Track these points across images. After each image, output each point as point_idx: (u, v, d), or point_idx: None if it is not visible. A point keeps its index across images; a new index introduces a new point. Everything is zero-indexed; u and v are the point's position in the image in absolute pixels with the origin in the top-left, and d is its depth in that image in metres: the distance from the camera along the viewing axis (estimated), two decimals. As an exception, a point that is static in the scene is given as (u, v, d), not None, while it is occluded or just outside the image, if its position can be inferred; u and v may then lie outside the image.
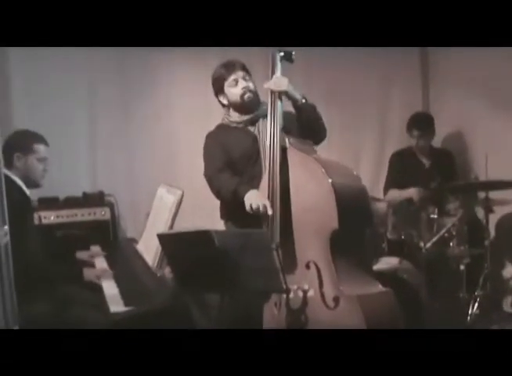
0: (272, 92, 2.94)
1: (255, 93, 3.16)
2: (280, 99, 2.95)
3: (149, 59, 4.53)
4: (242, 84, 3.13)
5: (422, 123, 4.64)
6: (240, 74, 3.14)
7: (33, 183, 3.18)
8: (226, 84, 3.16)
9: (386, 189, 4.77)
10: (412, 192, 4.40)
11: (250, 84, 3.15)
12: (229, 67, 3.16)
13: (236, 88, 3.14)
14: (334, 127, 4.90)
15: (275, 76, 2.96)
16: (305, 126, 3.05)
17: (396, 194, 4.52)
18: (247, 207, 2.86)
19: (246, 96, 3.13)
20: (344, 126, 5.12)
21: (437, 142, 4.87)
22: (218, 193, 3.13)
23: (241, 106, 3.16)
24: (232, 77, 3.14)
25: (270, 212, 2.77)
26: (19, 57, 4.21)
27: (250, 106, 3.16)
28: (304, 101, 3.02)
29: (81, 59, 4.37)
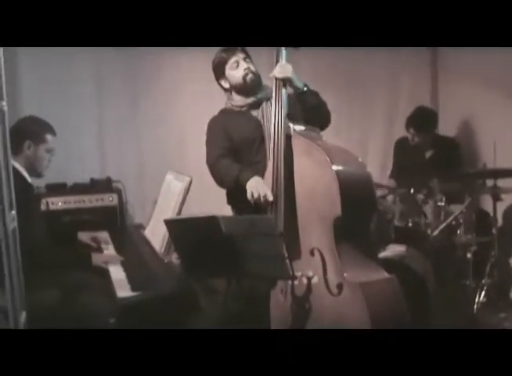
0: (277, 79, 2.92)
1: (257, 74, 3.15)
2: (285, 87, 2.93)
3: (153, 54, 4.53)
4: (243, 65, 3.13)
5: (418, 121, 4.60)
6: (241, 55, 3.14)
7: (36, 173, 3.16)
8: (227, 66, 3.15)
9: (392, 176, 4.78)
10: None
11: (251, 66, 3.15)
12: (229, 50, 3.14)
13: (237, 70, 3.14)
14: (342, 115, 4.93)
15: (280, 63, 2.94)
16: (310, 113, 3.03)
17: None
18: (249, 196, 2.86)
19: (248, 77, 3.12)
20: (352, 115, 5.13)
21: (444, 130, 4.86)
22: (220, 181, 3.12)
23: (243, 88, 3.15)
24: (232, 59, 3.13)
25: (271, 199, 2.77)
26: (29, 52, 4.22)
27: (253, 88, 3.15)
28: (305, 89, 3.00)
29: (90, 50, 4.38)
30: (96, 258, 3.12)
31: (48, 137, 3.13)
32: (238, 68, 3.14)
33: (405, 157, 4.74)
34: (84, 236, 3.47)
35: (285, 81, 2.92)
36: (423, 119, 4.64)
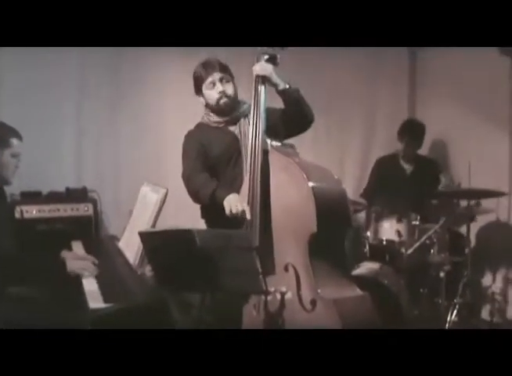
0: (257, 77, 2.91)
1: (232, 97, 3.11)
2: (264, 85, 2.91)
3: (138, 57, 4.54)
4: (218, 88, 3.08)
5: (415, 131, 4.67)
6: (218, 76, 3.08)
7: (3, 180, 3.05)
8: (204, 85, 3.12)
9: (364, 195, 4.81)
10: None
11: (228, 88, 3.10)
12: (208, 68, 3.10)
13: (212, 91, 3.10)
14: (320, 129, 4.96)
15: (260, 62, 2.93)
16: (292, 110, 3.02)
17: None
18: (227, 211, 2.84)
19: (222, 101, 3.09)
20: (330, 129, 5.15)
21: (422, 148, 4.91)
22: (195, 196, 3.08)
23: (218, 110, 3.14)
24: (209, 79, 3.09)
25: (249, 217, 2.77)
26: (9, 54, 4.18)
27: (227, 110, 3.13)
28: (287, 86, 2.99)
29: (71, 57, 4.37)
30: (71, 265, 3.06)
31: (14, 141, 3.00)
32: (213, 89, 3.10)
33: (385, 176, 4.77)
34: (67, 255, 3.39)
35: (264, 79, 2.92)
36: (417, 128, 4.70)
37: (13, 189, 3.22)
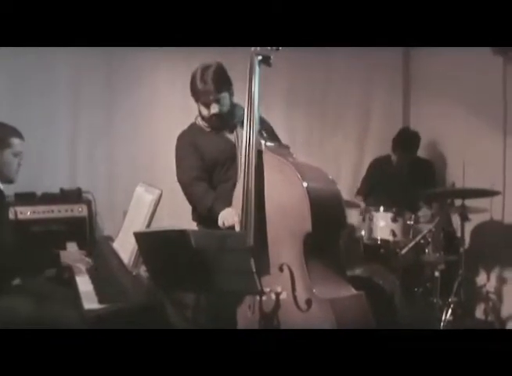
0: (250, 99, 2.90)
1: (226, 116, 3.13)
2: (258, 86, 2.89)
3: (132, 58, 4.54)
4: (213, 109, 3.09)
5: (407, 143, 4.66)
6: (213, 97, 3.06)
7: (7, 178, 3.07)
8: (200, 100, 3.12)
9: (359, 193, 4.82)
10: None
11: (223, 107, 3.10)
12: (205, 86, 3.06)
13: (207, 110, 3.11)
14: (315, 131, 4.98)
15: None
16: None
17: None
18: (219, 224, 2.93)
19: (213, 120, 3.13)
20: (325, 131, 5.16)
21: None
22: (193, 205, 3.20)
23: (209, 123, 3.17)
24: (205, 97, 3.08)
25: (237, 229, 2.79)
26: (2, 54, 4.17)
27: (218, 126, 3.17)
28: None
29: (66, 57, 4.37)
30: (65, 256, 3.06)
31: (15, 141, 3.04)
32: (208, 109, 3.10)
33: (380, 176, 4.78)
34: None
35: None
36: (409, 140, 4.69)
37: (7, 191, 3.21)
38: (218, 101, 3.09)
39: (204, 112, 3.14)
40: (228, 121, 3.17)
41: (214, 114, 3.11)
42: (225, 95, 3.12)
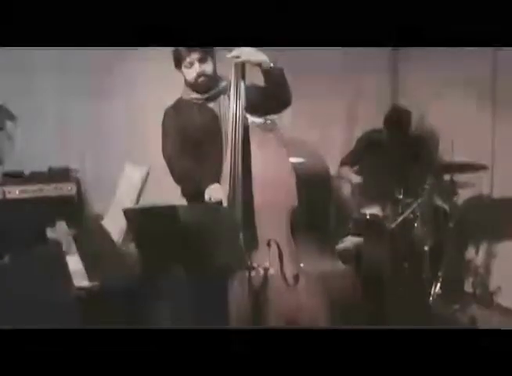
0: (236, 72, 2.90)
1: (211, 76, 3.10)
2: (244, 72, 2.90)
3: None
4: (196, 68, 3.06)
5: (396, 123, 4.64)
6: (195, 56, 3.04)
7: None
8: (183, 64, 3.08)
9: (344, 163, 4.80)
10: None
11: (207, 68, 3.07)
12: (189, 50, 3.04)
13: (191, 70, 3.07)
14: (302, 113, 4.93)
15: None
16: (271, 91, 3.01)
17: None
18: (206, 198, 2.90)
19: (200, 80, 3.07)
20: (313, 112, 5.13)
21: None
22: (178, 182, 3.12)
23: (196, 88, 3.12)
24: (188, 60, 3.05)
25: (225, 205, 2.78)
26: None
27: (205, 88, 3.11)
28: (272, 65, 2.96)
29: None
30: (51, 232, 3.06)
31: (9, 124, 3.04)
32: (192, 68, 3.07)
33: (370, 148, 4.76)
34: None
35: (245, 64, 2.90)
36: (399, 118, 4.67)
37: (-5, 170, 3.20)
38: (201, 60, 3.06)
39: (189, 76, 3.09)
40: (213, 83, 3.12)
41: (199, 74, 3.06)
42: (208, 57, 3.08)
